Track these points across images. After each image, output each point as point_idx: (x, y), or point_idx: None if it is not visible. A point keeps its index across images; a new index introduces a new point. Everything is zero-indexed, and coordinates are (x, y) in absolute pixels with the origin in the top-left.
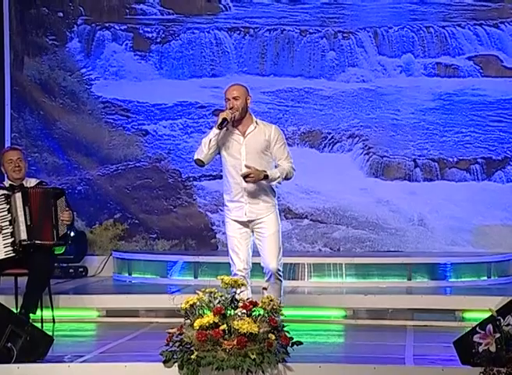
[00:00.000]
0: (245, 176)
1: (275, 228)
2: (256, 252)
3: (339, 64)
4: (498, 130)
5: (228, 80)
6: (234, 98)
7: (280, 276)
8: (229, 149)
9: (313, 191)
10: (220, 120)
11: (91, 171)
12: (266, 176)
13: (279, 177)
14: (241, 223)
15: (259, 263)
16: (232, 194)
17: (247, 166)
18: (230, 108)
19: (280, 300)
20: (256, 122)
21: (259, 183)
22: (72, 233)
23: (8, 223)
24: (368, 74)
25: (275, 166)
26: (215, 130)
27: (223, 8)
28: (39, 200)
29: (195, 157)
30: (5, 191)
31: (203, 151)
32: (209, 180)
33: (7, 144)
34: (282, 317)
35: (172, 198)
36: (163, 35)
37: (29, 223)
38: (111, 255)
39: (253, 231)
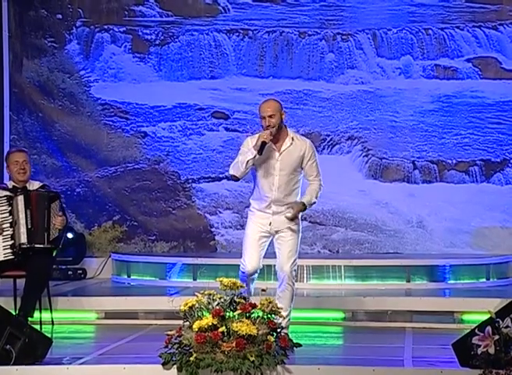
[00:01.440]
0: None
1: (296, 234)
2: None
3: (338, 66)
4: (497, 132)
5: (227, 82)
6: (269, 116)
7: (293, 282)
8: (263, 164)
9: None
10: (260, 145)
11: (90, 173)
12: (304, 206)
13: (314, 203)
14: (264, 230)
15: (268, 265)
16: (261, 205)
17: (290, 207)
18: (267, 127)
19: (290, 310)
20: (292, 137)
21: (287, 196)
22: (69, 236)
23: (8, 225)
24: (366, 76)
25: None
26: (254, 152)
27: (222, 11)
28: (37, 202)
29: (231, 173)
30: (8, 193)
31: (240, 170)
32: (208, 182)
33: (6, 146)
34: (280, 320)
35: (171, 200)
36: (162, 37)
37: (29, 227)
38: (110, 257)
39: (274, 236)
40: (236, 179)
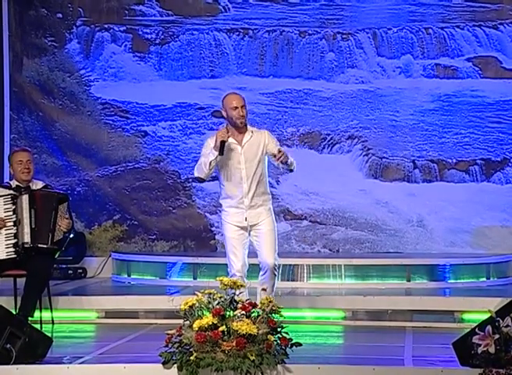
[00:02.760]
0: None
1: (272, 226)
2: (252, 253)
3: (338, 65)
4: (497, 132)
5: (227, 82)
6: (242, 106)
7: (276, 271)
8: (228, 160)
9: (312, 192)
10: (219, 145)
11: (90, 172)
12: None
13: (292, 162)
14: (241, 227)
15: (257, 264)
16: (233, 201)
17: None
18: (241, 116)
19: (272, 296)
20: (251, 131)
21: (257, 187)
22: (68, 238)
23: (12, 223)
24: (367, 75)
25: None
26: (215, 153)
27: (222, 10)
28: (42, 202)
29: (196, 175)
30: (12, 192)
31: (204, 171)
32: (208, 181)
33: (6, 145)
34: (280, 318)
35: (171, 199)
36: (162, 36)
37: (33, 226)
38: (110, 256)
39: (249, 232)
40: (201, 180)
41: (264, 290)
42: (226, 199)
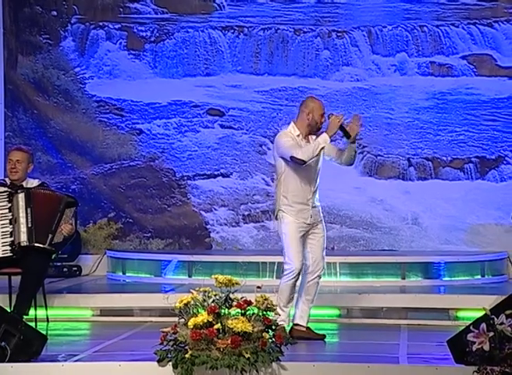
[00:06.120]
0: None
1: (325, 231)
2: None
3: (334, 63)
4: (492, 129)
5: (222, 79)
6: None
7: (321, 276)
8: None
9: None
10: (343, 129)
11: (85, 170)
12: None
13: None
14: (306, 224)
15: (256, 262)
16: (301, 197)
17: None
18: (322, 123)
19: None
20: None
21: (318, 188)
22: (67, 243)
23: (8, 221)
24: (362, 73)
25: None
26: (328, 140)
27: (217, 7)
28: (47, 202)
29: (300, 157)
30: (8, 189)
31: (310, 156)
32: (203, 179)
33: (1, 143)
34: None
35: (167, 197)
36: (157, 34)
37: (30, 226)
38: (105, 254)
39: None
40: (302, 163)
41: (258, 287)
42: (294, 194)
